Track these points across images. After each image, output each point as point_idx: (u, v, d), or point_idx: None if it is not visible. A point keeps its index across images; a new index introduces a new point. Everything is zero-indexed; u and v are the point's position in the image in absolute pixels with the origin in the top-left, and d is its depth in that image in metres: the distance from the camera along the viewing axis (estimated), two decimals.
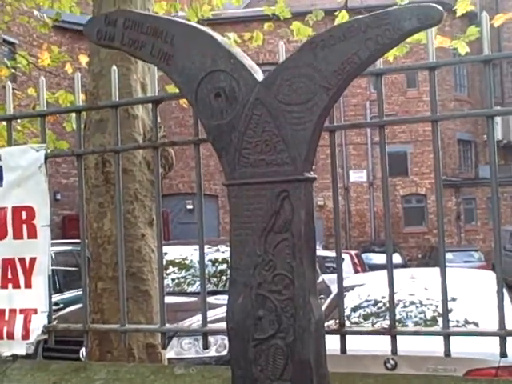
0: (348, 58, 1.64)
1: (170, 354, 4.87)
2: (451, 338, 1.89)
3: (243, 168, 1.75)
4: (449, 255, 20.34)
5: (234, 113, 1.77)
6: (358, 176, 25.32)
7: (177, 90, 2.02)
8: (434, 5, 1.57)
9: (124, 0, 3.63)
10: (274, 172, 1.71)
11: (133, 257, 3.57)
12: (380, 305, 5.57)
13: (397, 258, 21.43)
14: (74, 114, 6.68)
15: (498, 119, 25.50)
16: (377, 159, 24.96)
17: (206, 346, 2.15)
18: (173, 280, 7.87)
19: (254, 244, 1.72)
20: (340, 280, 1.96)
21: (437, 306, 5.44)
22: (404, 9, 1.61)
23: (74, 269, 8.96)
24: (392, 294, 1.93)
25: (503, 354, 1.83)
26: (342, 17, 6.59)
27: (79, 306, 6.97)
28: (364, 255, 19.59)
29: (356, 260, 15.26)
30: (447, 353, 1.88)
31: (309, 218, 1.70)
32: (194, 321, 5.54)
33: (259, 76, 1.78)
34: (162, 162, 3.83)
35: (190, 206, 23.39)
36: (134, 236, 3.59)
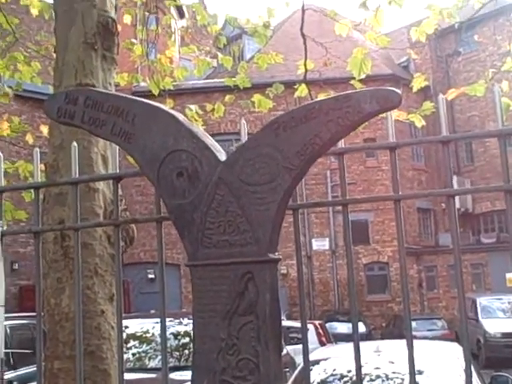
0: (310, 139, 1.65)
1: None
2: None
3: (206, 249, 1.72)
4: (412, 323, 20.32)
5: (197, 192, 1.75)
6: (320, 244, 25.40)
7: None
8: (393, 89, 1.61)
9: (85, 74, 3.65)
10: (238, 253, 1.68)
11: (91, 334, 3.45)
12: (346, 379, 5.48)
13: (361, 327, 21.31)
14: None
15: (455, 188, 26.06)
16: (339, 227, 25.17)
17: None
18: (133, 355, 7.64)
19: (218, 327, 1.67)
20: (306, 358, 1.90)
21: (403, 380, 5.38)
22: (364, 91, 1.64)
23: (26, 351, 8.61)
24: (360, 378, 1.88)
25: None
26: (301, 90, 6.75)
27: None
28: (328, 324, 19.42)
29: (320, 330, 15.10)
30: None
31: (274, 299, 1.66)
32: None
33: (222, 156, 1.78)
34: (123, 235, 3.78)
35: (151, 276, 23.02)
36: (93, 312, 3.49)
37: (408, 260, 24.84)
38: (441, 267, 25.05)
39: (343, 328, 20.00)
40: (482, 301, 19.94)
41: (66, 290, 3.48)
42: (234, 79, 7.61)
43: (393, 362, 5.42)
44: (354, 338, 1.86)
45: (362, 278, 25.11)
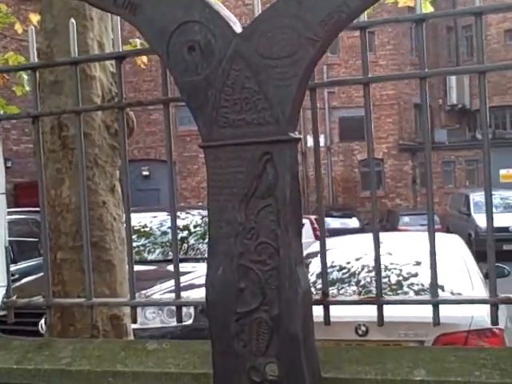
0: (337, 6, 1.50)
1: (133, 324, 4.75)
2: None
3: (221, 128, 1.61)
4: (405, 218, 20.68)
5: (210, 68, 1.61)
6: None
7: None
8: None
9: None
10: (256, 132, 1.57)
11: (94, 225, 3.39)
12: (345, 271, 5.54)
13: (355, 222, 21.65)
14: (25, 76, 6.34)
15: (453, 84, 25.77)
16: (334, 124, 25.04)
17: (179, 319, 2.03)
18: (133, 248, 7.68)
19: (235, 210, 1.59)
20: (323, 247, 1.84)
21: (401, 271, 5.44)
22: None
23: (28, 239, 8.68)
24: (379, 265, 1.83)
25: (495, 322, 1.76)
26: None
27: (35, 276, 6.75)
28: None
29: (316, 225, 15.30)
30: (436, 321, 1.79)
31: (294, 182, 1.57)
32: (156, 290, 5.40)
33: (237, 28, 1.62)
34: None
35: (145, 173, 23.02)
36: (94, 203, 3.41)
37: (403, 156, 24.93)
38: (435, 163, 25.10)
39: (336, 223, 20.32)
40: (475, 196, 20.15)
41: (66, 180, 3.38)
42: None
43: (391, 254, 5.46)
44: (374, 234, 1.78)
45: (356, 174, 25.23)
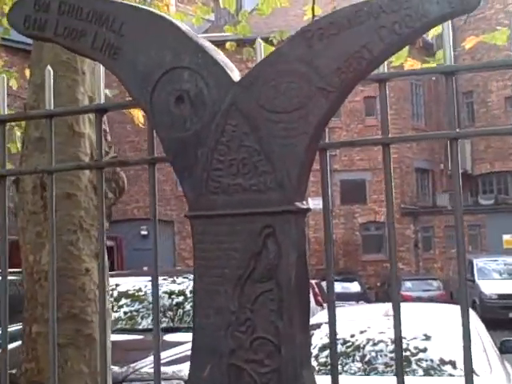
0: (355, 51, 1.24)
1: None
2: None
3: (213, 195, 1.32)
4: (408, 284, 20.23)
5: (202, 122, 1.34)
6: (316, 203, 25.06)
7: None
8: None
9: None
10: (255, 201, 1.28)
11: (74, 295, 3.09)
12: (349, 344, 5.17)
13: (356, 287, 21.15)
14: (18, 133, 6.08)
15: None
16: (335, 186, 24.85)
17: None
18: (125, 313, 7.33)
19: (226, 296, 1.28)
20: (333, 334, 1.52)
21: (408, 345, 5.07)
22: None
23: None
24: (401, 357, 1.51)
25: None
26: None
27: (17, 344, 6.34)
28: (323, 283, 19.23)
29: (317, 289, 14.87)
30: None
31: (301, 262, 1.27)
32: (148, 362, 5.01)
33: (235, 75, 1.36)
34: (112, 186, 3.38)
35: (144, 232, 22.69)
36: (77, 271, 3.11)
37: (405, 220, 24.63)
38: (438, 228, 24.83)
39: (337, 287, 19.83)
40: (479, 262, 19.76)
41: (47, 245, 3.09)
42: (234, 27, 7.10)
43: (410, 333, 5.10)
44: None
45: (357, 237, 24.88)
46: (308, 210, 1.29)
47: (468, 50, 7.07)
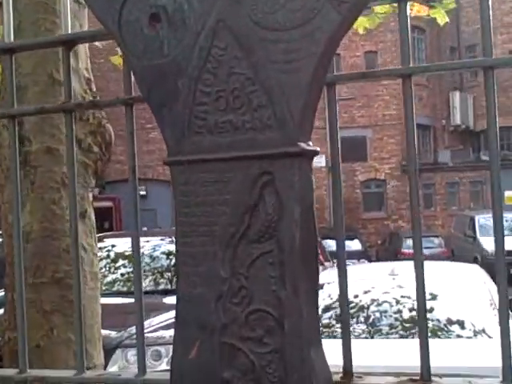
0: None
1: (113, 368, 4.18)
2: None
3: (197, 135, 1.07)
4: (409, 241, 20.08)
5: (182, 46, 1.07)
6: (316, 161, 24.74)
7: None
8: None
9: None
10: (249, 142, 1.03)
11: (59, 258, 2.87)
12: (352, 305, 4.98)
13: (356, 245, 21.03)
14: None
15: (457, 104, 25.37)
16: (344, 141, 24.48)
17: None
18: (122, 275, 7.15)
19: (216, 260, 1.04)
20: (344, 299, 1.28)
21: (413, 305, 4.87)
22: None
23: None
24: (426, 332, 1.28)
25: None
26: None
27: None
28: (323, 242, 19.10)
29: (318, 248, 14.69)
30: None
31: (307, 217, 1.02)
32: (146, 326, 4.82)
33: None
34: (97, 139, 3.12)
35: (142, 192, 22.49)
36: (60, 232, 2.88)
37: (405, 177, 24.38)
38: (439, 185, 24.63)
39: None
40: (481, 219, 19.60)
41: (27, 204, 2.86)
42: None
43: (402, 286, 4.90)
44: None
45: (358, 195, 24.67)
46: (315, 152, 1.04)
47: (471, 0, 6.67)
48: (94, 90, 3.16)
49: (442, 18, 5.50)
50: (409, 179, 1.30)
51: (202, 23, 1.06)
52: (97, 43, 4.83)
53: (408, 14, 1.31)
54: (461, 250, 19.79)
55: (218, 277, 1.03)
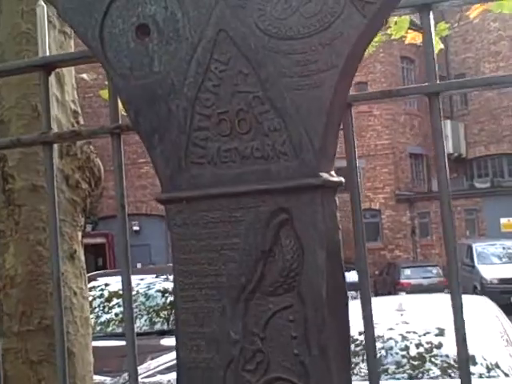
0: None
1: None
2: None
3: (196, 167, 0.89)
4: (407, 271, 19.87)
5: (176, 61, 0.90)
6: None
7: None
8: None
9: None
10: (260, 174, 0.85)
11: (46, 304, 2.65)
12: (357, 342, 4.75)
13: (354, 276, 20.76)
14: None
15: (449, 132, 25.41)
16: (339, 172, 24.39)
17: None
18: (116, 315, 6.90)
19: (224, 319, 0.85)
20: (372, 342, 1.09)
21: (420, 341, 4.66)
22: None
23: None
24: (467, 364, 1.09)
25: None
26: None
27: None
28: None
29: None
30: None
31: (334, 262, 0.84)
32: (143, 370, 4.58)
33: None
34: (86, 175, 2.93)
35: (136, 228, 22.22)
36: (47, 275, 2.67)
37: (401, 207, 24.29)
38: (434, 213, 24.47)
39: None
40: (478, 247, 19.41)
41: (11, 246, 2.65)
42: None
43: (407, 322, 4.69)
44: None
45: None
46: (340, 183, 0.86)
47: (459, 31, 6.61)
48: (82, 123, 3.00)
49: (436, 45, 5.40)
50: (440, 206, 1.13)
51: (199, 34, 0.89)
52: (85, 76, 4.69)
53: (432, 24, 1.16)
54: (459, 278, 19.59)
55: (227, 339, 0.84)
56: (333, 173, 0.85)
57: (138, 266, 15.42)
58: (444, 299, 5.21)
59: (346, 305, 0.84)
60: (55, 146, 2.79)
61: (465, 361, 1.04)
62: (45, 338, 2.67)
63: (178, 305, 0.86)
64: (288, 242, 0.82)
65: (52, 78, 2.86)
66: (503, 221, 23.13)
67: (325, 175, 0.83)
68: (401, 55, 24.89)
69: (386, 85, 24.81)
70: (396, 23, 5.12)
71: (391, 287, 19.68)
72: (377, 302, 6.25)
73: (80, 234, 2.92)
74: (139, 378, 4.03)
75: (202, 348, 0.85)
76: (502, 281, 17.55)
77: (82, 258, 2.87)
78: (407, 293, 16.54)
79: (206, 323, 0.85)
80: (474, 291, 18.03)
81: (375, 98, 1.16)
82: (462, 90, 1.20)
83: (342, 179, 0.85)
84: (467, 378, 1.04)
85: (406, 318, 4.58)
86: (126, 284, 1.23)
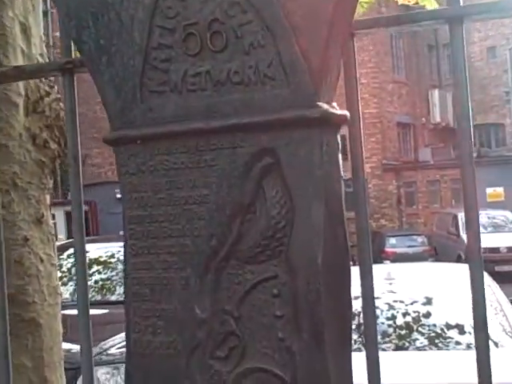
0: None
1: None
2: None
3: (156, 97, 0.68)
4: (392, 240, 19.86)
5: None
6: None
7: None
8: None
9: None
10: (239, 104, 0.65)
11: (10, 271, 2.44)
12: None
13: None
14: None
15: (436, 101, 25.27)
16: None
17: None
18: (96, 282, 6.73)
19: (189, 292, 0.66)
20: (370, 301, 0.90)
21: (407, 311, 4.51)
22: None
23: None
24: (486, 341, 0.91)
25: None
26: None
27: None
28: None
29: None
30: None
31: (335, 221, 0.64)
32: (118, 340, 4.41)
33: None
34: (55, 134, 2.71)
35: (119, 195, 21.93)
36: (11, 241, 2.46)
37: (387, 176, 24.21)
38: (420, 183, 24.42)
39: None
40: (463, 216, 19.38)
41: None
42: None
43: (394, 291, 4.54)
44: None
45: None
46: (344, 118, 0.66)
47: None
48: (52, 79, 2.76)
49: (430, 4, 5.17)
50: (461, 173, 0.93)
51: None
52: None
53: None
54: (444, 247, 19.57)
55: (191, 318, 0.65)
56: (335, 104, 0.65)
57: (121, 233, 15.23)
58: (432, 268, 5.08)
59: (348, 276, 0.64)
60: (20, 102, 2.55)
61: (484, 346, 0.85)
62: (8, 308, 2.48)
63: (129, 274, 0.66)
64: (274, 194, 0.62)
65: (17, 30, 2.62)
66: (489, 191, 23.15)
67: (325, 106, 0.63)
68: None
69: (374, 52, 24.52)
70: None
71: (377, 256, 19.66)
72: None
73: (48, 197, 2.70)
74: (114, 348, 3.83)
75: (160, 329, 0.65)
76: (488, 250, 17.58)
77: (50, 222, 2.66)
78: (392, 261, 16.50)
79: (165, 298, 0.65)
80: (458, 260, 18.06)
81: (382, 26, 0.95)
82: (488, 14, 0.99)
83: (347, 113, 0.65)
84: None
85: (394, 287, 4.43)
86: (80, 247, 1.04)
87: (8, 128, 2.53)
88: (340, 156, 0.65)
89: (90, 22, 0.70)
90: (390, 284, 4.26)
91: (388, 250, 18.98)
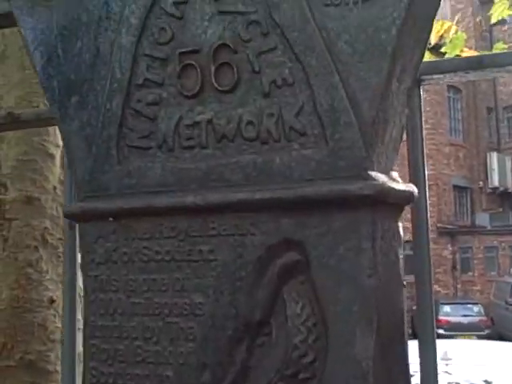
0: None
1: None
2: None
3: (136, 156, 0.47)
4: (446, 308, 19.08)
5: None
6: None
7: None
8: None
9: None
10: (251, 169, 0.43)
11: (32, 335, 2.27)
12: None
13: None
14: None
15: (495, 166, 24.69)
16: None
17: None
18: None
19: None
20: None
21: None
22: None
23: None
24: None
25: None
26: None
27: None
28: None
29: None
30: None
31: (390, 355, 0.41)
32: None
33: None
34: None
35: None
36: (35, 302, 2.30)
37: (442, 240, 23.54)
38: (476, 249, 23.60)
39: None
40: None
41: None
42: None
43: (450, 373, 4.15)
44: None
45: None
46: (409, 196, 0.43)
47: None
48: None
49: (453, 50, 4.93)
50: None
51: None
52: None
53: None
54: (502, 318, 18.66)
55: None
56: (395, 175, 0.43)
57: None
58: (493, 347, 4.68)
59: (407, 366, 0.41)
60: (57, 153, 2.40)
61: None
62: (26, 376, 2.30)
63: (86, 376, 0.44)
64: (299, 311, 0.40)
65: None
66: None
67: (381, 177, 0.41)
68: (447, 84, 24.33)
69: (431, 113, 24.25)
70: (451, 41, 4.68)
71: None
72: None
73: (80, 255, 2.55)
74: None
75: None
76: None
77: (80, 283, 2.50)
78: (445, 330, 15.81)
79: None
80: None
81: (460, 70, 0.72)
82: None
83: (415, 189, 0.42)
84: None
85: (450, 369, 4.06)
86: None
87: (42, 181, 2.39)
88: (400, 251, 0.43)
89: (60, 50, 0.51)
90: (447, 365, 3.91)
91: (442, 318, 18.19)
